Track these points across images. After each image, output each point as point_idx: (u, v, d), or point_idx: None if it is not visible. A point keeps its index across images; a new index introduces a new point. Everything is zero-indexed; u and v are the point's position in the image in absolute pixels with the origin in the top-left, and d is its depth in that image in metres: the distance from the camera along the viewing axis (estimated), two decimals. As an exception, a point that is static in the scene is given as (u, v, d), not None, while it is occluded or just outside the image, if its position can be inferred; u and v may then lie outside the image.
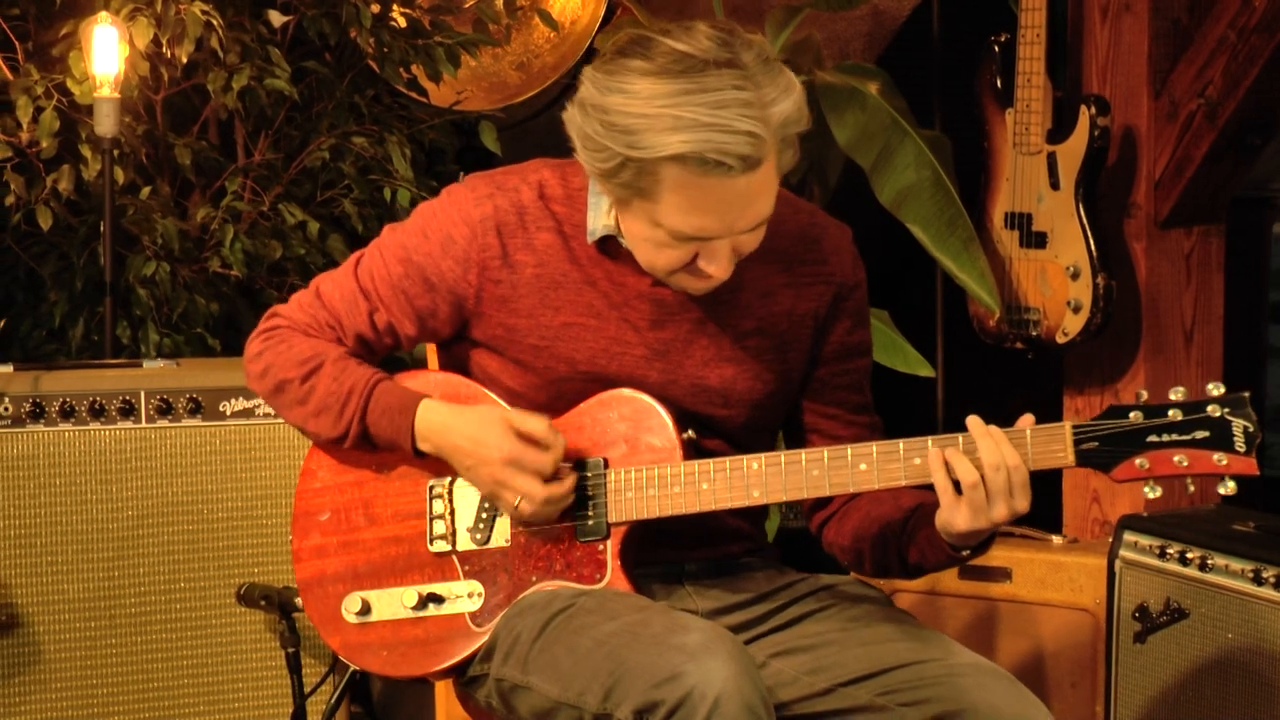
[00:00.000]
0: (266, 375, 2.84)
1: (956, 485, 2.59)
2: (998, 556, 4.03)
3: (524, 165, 2.82)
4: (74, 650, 3.61)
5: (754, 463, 2.69)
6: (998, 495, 2.58)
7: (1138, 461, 2.57)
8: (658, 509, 2.71)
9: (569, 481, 2.72)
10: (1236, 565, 3.47)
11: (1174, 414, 2.56)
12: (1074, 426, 2.58)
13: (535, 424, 2.70)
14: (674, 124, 2.50)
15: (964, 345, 4.74)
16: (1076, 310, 4.29)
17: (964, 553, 2.70)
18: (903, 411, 3.90)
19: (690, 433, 2.74)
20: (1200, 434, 2.55)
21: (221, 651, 3.69)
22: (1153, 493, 2.58)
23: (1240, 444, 2.54)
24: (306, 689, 3.62)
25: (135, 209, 4.18)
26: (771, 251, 2.70)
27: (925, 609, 4.07)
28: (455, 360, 2.87)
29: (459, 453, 2.74)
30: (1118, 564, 3.69)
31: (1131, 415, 2.57)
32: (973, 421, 2.61)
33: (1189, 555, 3.55)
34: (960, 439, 2.61)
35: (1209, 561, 3.51)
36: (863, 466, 2.65)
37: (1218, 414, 2.55)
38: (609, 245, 2.75)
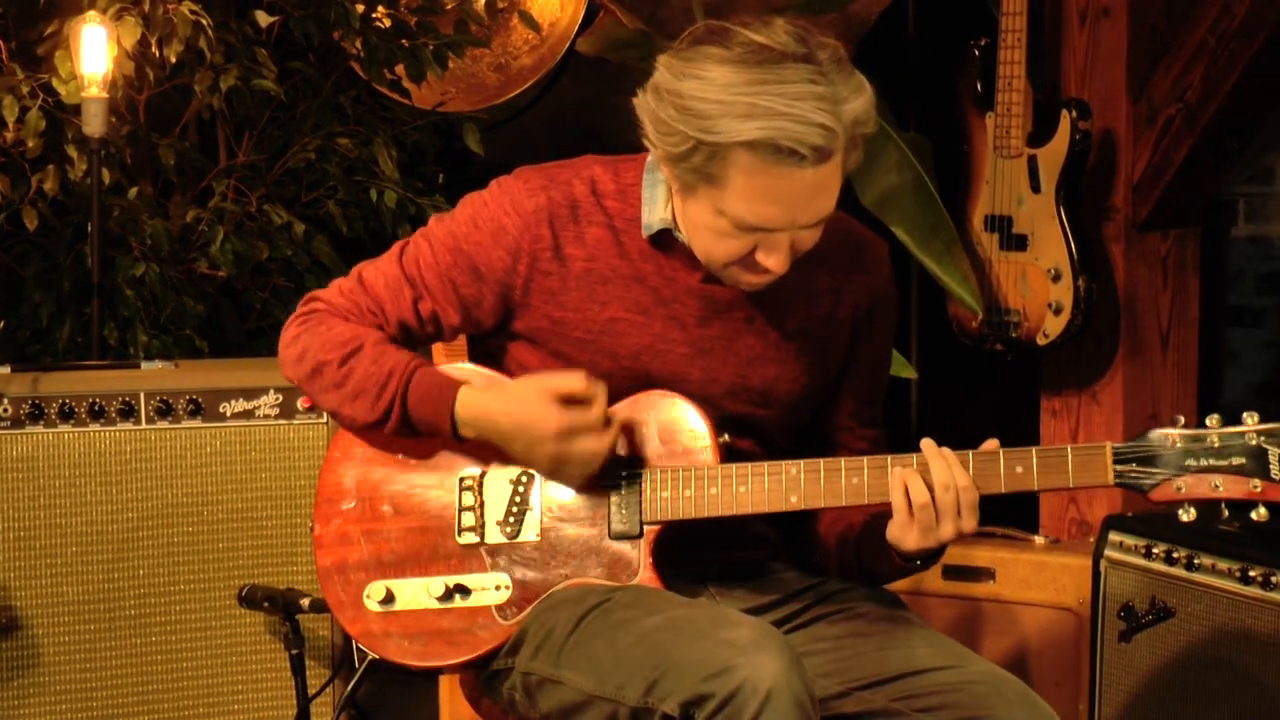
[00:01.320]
0: (304, 359, 2.83)
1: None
2: (981, 557, 4.06)
3: (575, 160, 2.83)
4: (74, 653, 3.59)
5: (793, 468, 2.71)
6: (945, 515, 2.63)
7: (1176, 485, 2.61)
8: (694, 510, 2.72)
9: (616, 426, 2.73)
10: (1223, 564, 3.50)
11: (1211, 439, 2.61)
12: (1114, 447, 2.62)
13: (572, 381, 2.72)
14: (749, 110, 2.52)
15: (939, 347, 4.77)
16: (1058, 312, 4.32)
17: (916, 563, 2.74)
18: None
19: (726, 437, 2.76)
20: (1238, 460, 2.60)
21: (222, 654, 3.67)
22: (1186, 515, 2.62)
23: (1276, 471, 2.58)
24: (310, 691, 3.61)
25: (121, 209, 4.16)
26: (815, 255, 2.72)
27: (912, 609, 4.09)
28: (489, 353, 2.88)
29: (506, 436, 2.75)
30: (1103, 563, 3.72)
31: (1170, 438, 2.62)
32: (926, 443, 2.67)
33: (1175, 554, 3.57)
34: (914, 459, 2.66)
35: (1196, 560, 3.54)
36: None
37: (1255, 441, 2.59)
38: (661, 240, 2.77)
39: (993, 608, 4.07)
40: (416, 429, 2.80)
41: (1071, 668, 3.97)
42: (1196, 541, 3.56)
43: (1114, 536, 3.71)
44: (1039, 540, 4.12)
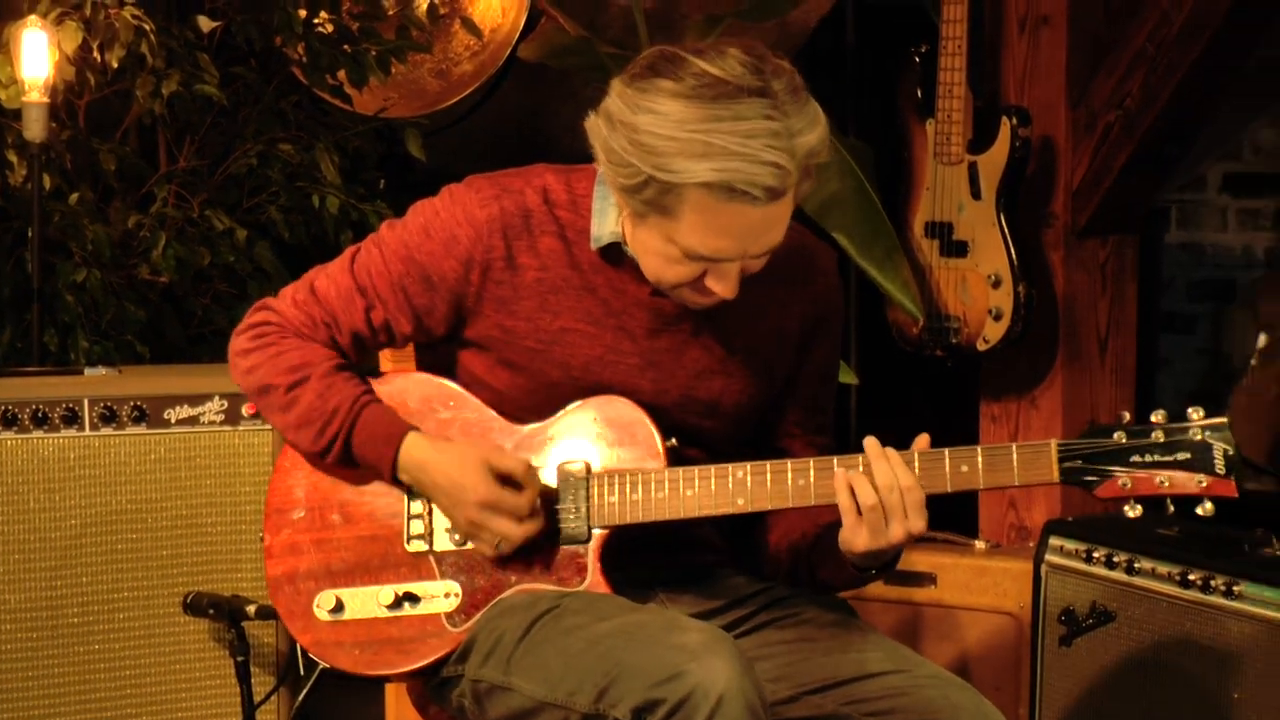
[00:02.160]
0: (253, 374, 2.83)
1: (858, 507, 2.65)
2: (922, 562, 4.07)
3: (526, 169, 2.83)
4: (15, 661, 3.55)
5: (739, 471, 2.71)
6: (893, 515, 2.63)
7: (1121, 481, 2.62)
8: (641, 514, 2.72)
9: (540, 521, 2.74)
10: (1163, 568, 3.53)
11: (1157, 435, 2.62)
12: (1059, 444, 2.63)
13: (513, 463, 2.73)
14: (704, 150, 2.52)
15: (878, 353, 4.79)
16: (998, 318, 4.35)
17: (871, 572, 2.75)
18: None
19: (673, 440, 2.76)
20: (1182, 455, 2.61)
21: (167, 662, 3.64)
22: (1132, 511, 2.63)
23: (1220, 466, 2.59)
24: (255, 699, 3.59)
25: (62, 215, 4.13)
26: (764, 267, 2.72)
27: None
28: (439, 359, 2.88)
29: (437, 491, 2.76)
30: (1044, 568, 3.74)
31: (1115, 435, 2.63)
32: (869, 443, 2.67)
33: (1115, 558, 3.60)
34: (860, 459, 2.67)
35: (1136, 564, 3.57)
36: None
37: (1199, 437, 2.61)
38: (611, 252, 2.77)
39: (934, 612, 4.09)
40: (357, 465, 2.81)
41: (1012, 672, 3.99)
42: (1137, 545, 3.59)
43: (1054, 541, 3.73)
44: (980, 545, 4.15)
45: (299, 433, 2.81)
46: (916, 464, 2.64)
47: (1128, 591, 3.59)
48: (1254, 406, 5.28)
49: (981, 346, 4.39)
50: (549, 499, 2.76)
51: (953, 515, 4.42)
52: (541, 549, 2.77)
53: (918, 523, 2.64)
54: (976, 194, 4.35)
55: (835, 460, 2.68)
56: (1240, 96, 5.53)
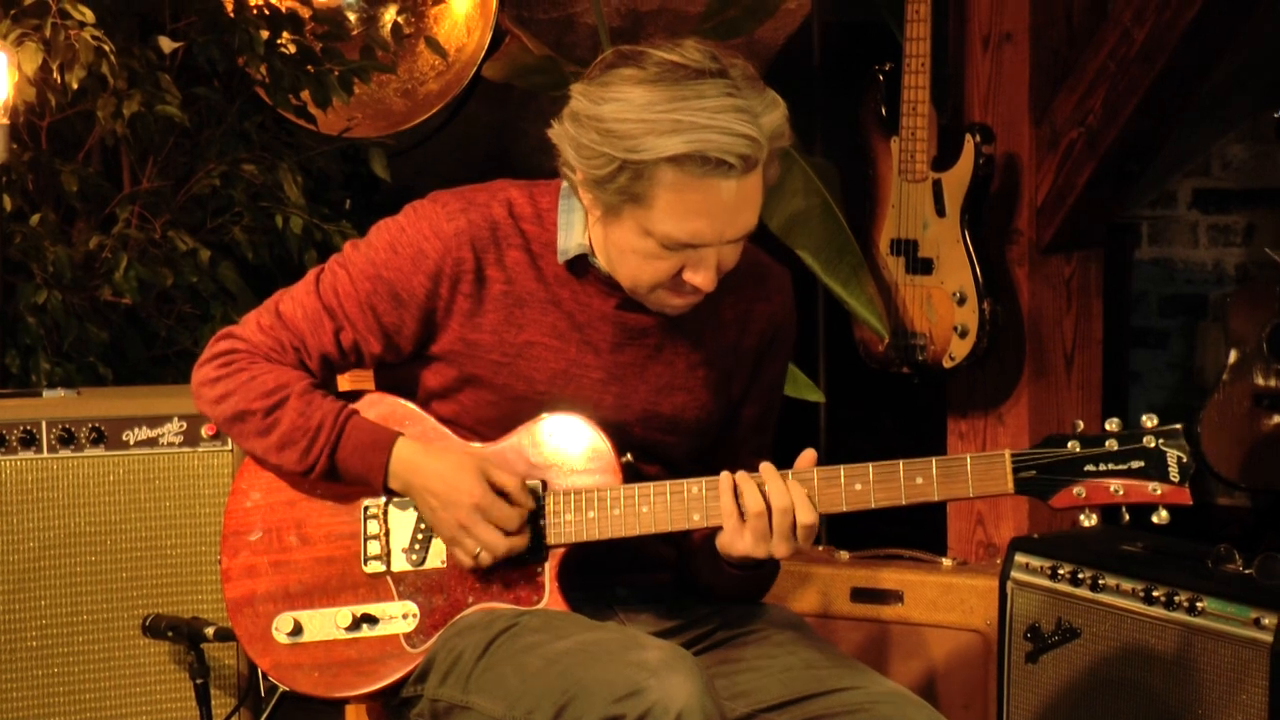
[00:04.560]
0: (224, 402, 2.82)
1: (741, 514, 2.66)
2: (889, 579, 4.07)
3: (490, 184, 2.83)
4: (-26, 685, 3.55)
5: (694, 486, 2.71)
6: (780, 536, 2.65)
7: (1075, 490, 2.62)
8: (597, 531, 2.72)
9: (525, 538, 2.74)
10: (1127, 584, 3.53)
11: (1111, 444, 2.62)
12: (1013, 454, 2.64)
13: (509, 479, 2.73)
14: (674, 127, 2.54)
15: (846, 370, 4.79)
16: (963, 335, 4.35)
17: (750, 570, 2.76)
18: (786, 437, 3.94)
19: (629, 456, 2.76)
20: (1136, 464, 2.61)
21: (126, 685, 3.61)
22: (1088, 520, 2.63)
23: (1175, 474, 2.60)
24: (216, 720, 3.59)
25: (24, 236, 4.12)
26: (722, 283, 2.72)
27: (817, 632, 4.09)
28: (398, 378, 2.87)
29: (428, 493, 2.75)
30: (1009, 585, 3.73)
31: (1069, 445, 2.63)
32: (765, 467, 2.68)
33: (1080, 575, 3.60)
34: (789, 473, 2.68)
35: (1100, 581, 3.57)
36: None
37: (1153, 445, 2.61)
38: (577, 265, 2.77)
39: (901, 630, 4.08)
40: (343, 479, 2.80)
41: (980, 689, 3.98)
42: (1101, 562, 3.59)
43: (1020, 558, 3.73)
44: (947, 562, 4.14)
45: (282, 454, 2.79)
46: (815, 481, 2.66)
47: (1092, 608, 3.59)
48: (1225, 422, 5.29)
49: (948, 364, 4.39)
50: None
51: (922, 532, 4.42)
52: (499, 568, 2.76)
53: (806, 544, 2.67)
54: (941, 211, 4.36)
55: (789, 474, 2.68)
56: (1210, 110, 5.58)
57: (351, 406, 2.81)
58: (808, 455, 2.70)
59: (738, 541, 2.67)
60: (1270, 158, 5.89)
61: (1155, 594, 3.48)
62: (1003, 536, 4.43)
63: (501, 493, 2.72)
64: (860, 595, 4.08)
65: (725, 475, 2.67)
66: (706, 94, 2.56)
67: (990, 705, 3.90)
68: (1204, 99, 5.51)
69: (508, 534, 2.72)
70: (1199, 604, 3.41)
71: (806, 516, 2.65)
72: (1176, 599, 3.44)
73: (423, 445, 2.78)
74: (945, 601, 4.02)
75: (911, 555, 4.18)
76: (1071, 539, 3.72)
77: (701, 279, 2.66)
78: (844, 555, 4.16)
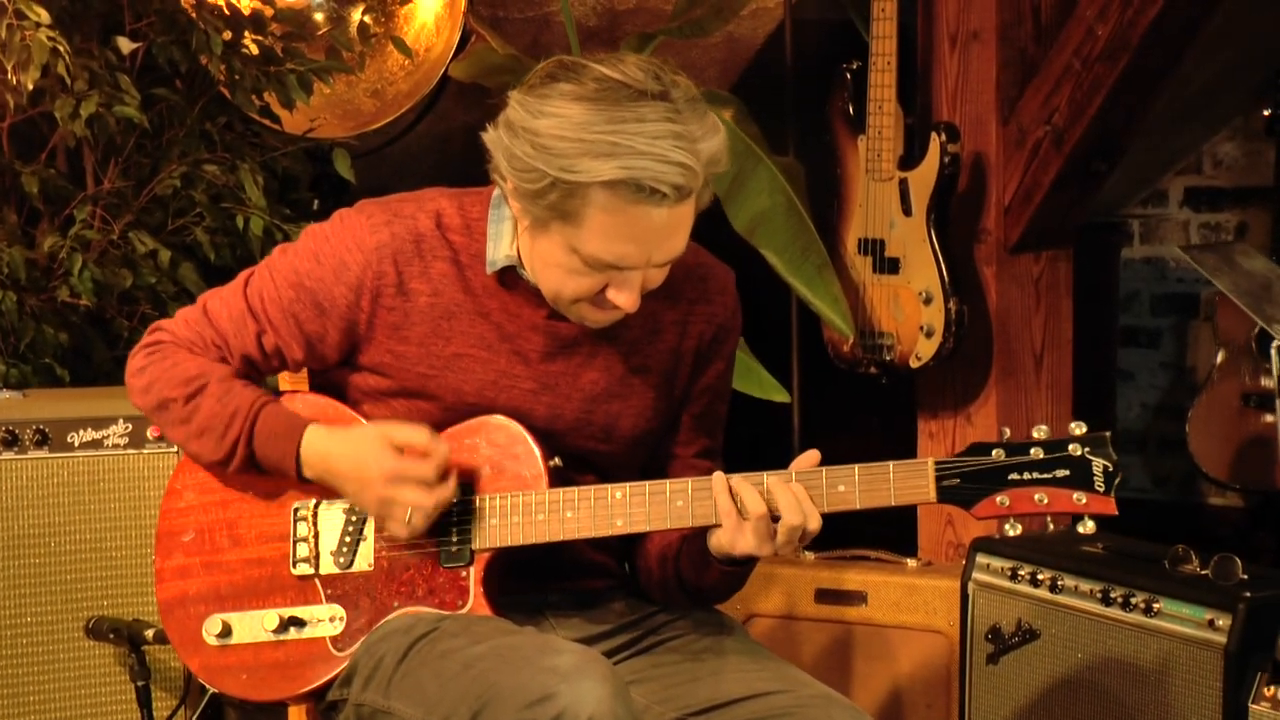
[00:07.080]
0: (149, 391, 2.82)
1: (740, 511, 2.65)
2: (853, 580, 4.06)
3: (420, 193, 2.81)
4: (-83, 687, 3.55)
5: (618, 492, 2.69)
6: (785, 544, 2.64)
7: (998, 499, 2.60)
8: (522, 537, 2.71)
9: (452, 482, 2.71)
10: (1086, 586, 3.52)
11: (1035, 452, 2.60)
12: (936, 463, 2.61)
13: (412, 433, 2.70)
14: (610, 150, 2.50)
15: (818, 370, 4.77)
16: (929, 335, 4.33)
17: (741, 567, 2.75)
18: (759, 438, 3.92)
19: (557, 460, 2.74)
20: (1061, 472, 2.58)
21: (70, 686, 3.62)
22: (1013, 530, 2.62)
23: (1100, 483, 2.57)
24: (157, 723, 3.58)
25: (-20, 238, 4.12)
26: (661, 288, 2.71)
27: (781, 633, 4.09)
28: (331, 384, 2.86)
29: (342, 477, 2.74)
30: (970, 586, 3.73)
31: (994, 453, 2.61)
32: (771, 481, 2.65)
33: (1040, 576, 3.59)
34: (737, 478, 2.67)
35: (1060, 583, 3.56)
36: None
37: (1078, 453, 2.58)
38: (506, 276, 2.75)
39: (865, 631, 4.07)
40: (262, 468, 2.78)
41: (943, 690, 3.98)
42: (1061, 563, 3.58)
43: (981, 559, 3.72)
44: (911, 563, 4.13)
45: (201, 441, 2.79)
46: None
47: (1051, 609, 3.58)
48: (1214, 421, 5.27)
49: (914, 364, 4.38)
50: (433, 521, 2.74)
51: (892, 533, 4.41)
52: (425, 572, 2.75)
53: (803, 544, 2.66)
54: (908, 210, 4.34)
55: (713, 480, 2.66)
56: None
57: (270, 396, 2.79)
58: (811, 456, 2.68)
59: (738, 541, 2.64)
60: (1261, 156, 5.86)
61: (1113, 595, 3.47)
62: (971, 537, 4.41)
63: (413, 451, 2.69)
64: (824, 596, 4.07)
65: (719, 476, 2.65)
66: (646, 117, 2.52)
67: (953, 706, 3.90)
68: (1194, 97, 5.49)
69: (431, 486, 2.69)
70: (1155, 605, 3.40)
71: (813, 523, 2.63)
72: (1133, 600, 3.43)
73: (328, 430, 2.76)
74: (909, 603, 4.01)
75: (877, 556, 4.16)
76: (1033, 540, 3.71)
77: (624, 299, 2.64)
78: (809, 556, 4.15)
